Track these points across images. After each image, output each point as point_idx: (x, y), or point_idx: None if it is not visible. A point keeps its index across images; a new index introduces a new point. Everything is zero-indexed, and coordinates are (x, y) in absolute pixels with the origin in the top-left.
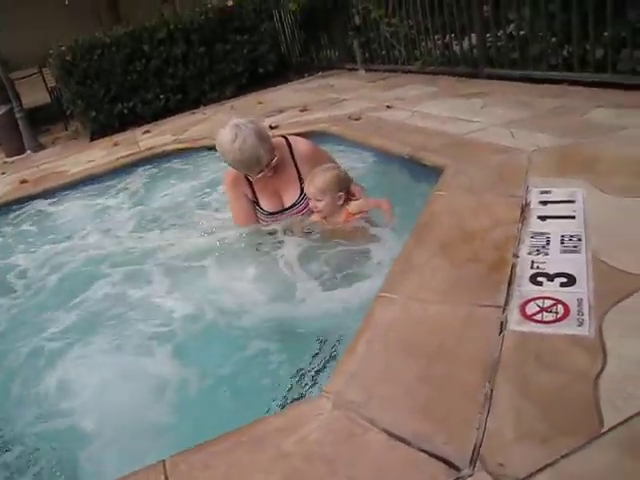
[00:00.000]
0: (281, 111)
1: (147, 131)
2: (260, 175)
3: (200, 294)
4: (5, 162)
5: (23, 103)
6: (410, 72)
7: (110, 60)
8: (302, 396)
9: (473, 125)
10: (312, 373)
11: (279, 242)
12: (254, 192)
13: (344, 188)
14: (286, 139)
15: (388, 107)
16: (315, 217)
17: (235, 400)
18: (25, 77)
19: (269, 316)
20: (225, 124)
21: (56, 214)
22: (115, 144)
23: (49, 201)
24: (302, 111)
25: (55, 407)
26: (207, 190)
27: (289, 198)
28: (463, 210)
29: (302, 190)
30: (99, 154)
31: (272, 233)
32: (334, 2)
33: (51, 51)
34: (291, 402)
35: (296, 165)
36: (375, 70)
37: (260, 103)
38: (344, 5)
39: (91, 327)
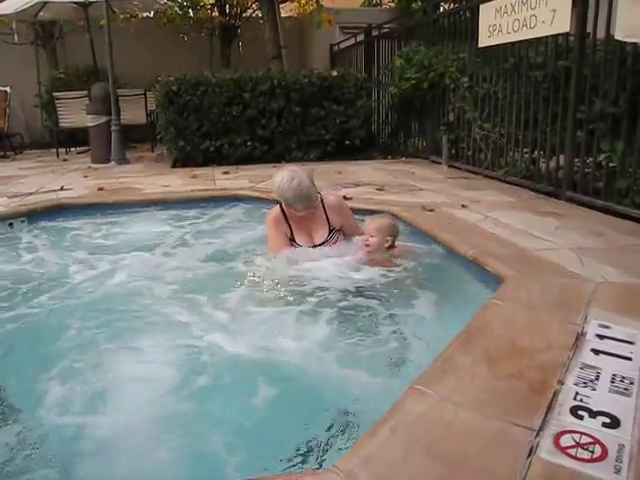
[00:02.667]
0: (357, 185)
1: (227, 172)
2: (306, 211)
3: (224, 337)
4: (90, 167)
5: (121, 118)
6: (492, 178)
7: (211, 99)
8: (308, 464)
9: (544, 243)
10: (324, 444)
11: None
12: (292, 231)
13: (393, 236)
14: (319, 192)
15: (463, 206)
16: (361, 253)
17: (239, 454)
18: (129, 96)
19: (291, 372)
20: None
21: (119, 226)
22: (194, 176)
23: (117, 212)
24: (378, 190)
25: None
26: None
27: (319, 237)
28: (516, 324)
29: (330, 231)
30: (176, 182)
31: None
32: (433, 96)
33: (159, 78)
34: (300, 468)
35: (325, 212)
36: (458, 168)
37: (339, 173)
38: (442, 101)
39: (112, 342)
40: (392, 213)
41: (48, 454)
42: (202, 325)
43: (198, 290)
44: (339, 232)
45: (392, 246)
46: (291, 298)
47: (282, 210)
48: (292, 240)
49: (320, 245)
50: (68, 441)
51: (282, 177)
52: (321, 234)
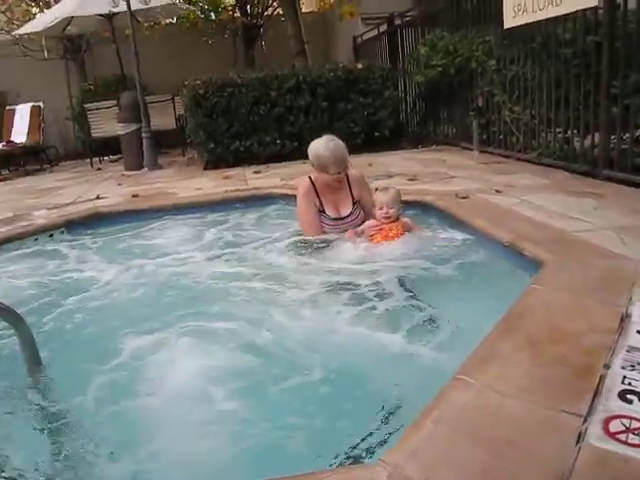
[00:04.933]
0: (390, 176)
1: (258, 171)
2: (338, 175)
3: (274, 333)
4: (123, 175)
5: (151, 125)
6: (525, 161)
7: (238, 100)
8: (355, 458)
9: (582, 224)
10: (372, 437)
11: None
12: (321, 203)
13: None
14: None
15: (497, 191)
16: (371, 222)
17: (290, 447)
18: (158, 102)
19: (339, 365)
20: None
21: (155, 231)
22: (226, 177)
23: (152, 217)
24: (410, 180)
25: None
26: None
27: (345, 209)
28: (558, 309)
29: (353, 204)
30: (209, 184)
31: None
32: (460, 82)
33: (186, 82)
34: (347, 462)
35: (350, 186)
36: (490, 153)
37: (370, 165)
38: (469, 86)
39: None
40: (425, 202)
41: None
42: (259, 322)
43: (245, 287)
44: (360, 204)
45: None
46: (330, 291)
47: (312, 183)
48: (322, 212)
49: (346, 218)
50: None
51: (318, 141)
52: (347, 206)
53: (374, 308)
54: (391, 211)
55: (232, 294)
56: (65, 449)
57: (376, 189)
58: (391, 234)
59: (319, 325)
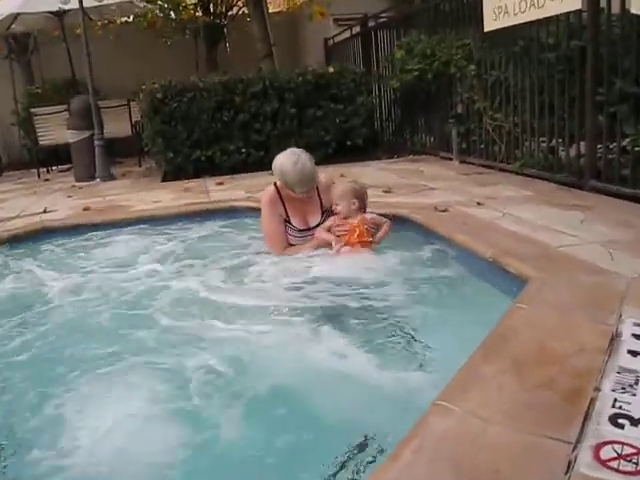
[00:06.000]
0: None
1: (221, 183)
2: (305, 193)
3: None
4: (74, 186)
5: (104, 132)
6: (507, 171)
7: (199, 105)
8: None
9: (568, 239)
10: (345, 470)
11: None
12: (287, 213)
13: (358, 198)
14: None
15: (478, 204)
16: (332, 219)
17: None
18: (112, 107)
19: (303, 393)
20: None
21: (107, 246)
22: (185, 189)
23: (105, 232)
24: (385, 192)
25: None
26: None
27: (313, 219)
28: (544, 328)
29: (322, 214)
30: (167, 196)
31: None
32: (438, 87)
33: (143, 86)
34: None
35: (319, 194)
36: (470, 163)
37: (342, 176)
38: (448, 92)
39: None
40: (401, 216)
41: None
42: (205, 343)
43: (198, 307)
44: (330, 213)
45: (362, 209)
46: (291, 308)
47: (277, 191)
48: (287, 222)
49: (315, 228)
50: None
51: (284, 159)
52: (315, 216)
53: (342, 329)
54: (338, 207)
55: (186, 315)
56: None
57: (332, 183)
58: (354, 237)
59: (280, 350)
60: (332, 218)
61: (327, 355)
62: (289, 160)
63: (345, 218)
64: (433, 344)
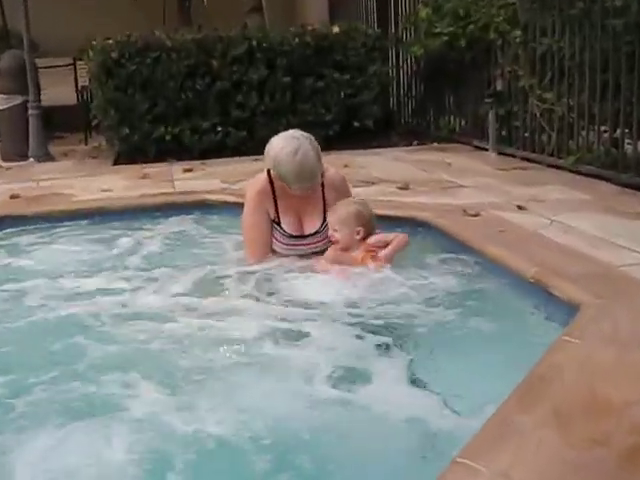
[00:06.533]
0: (372, 183)
1: (189, 169)
2: (303, 193)
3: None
4: (0, 166)
5: (42, 98)
6: (558, 168)
7: (165, 69)
8: None
9: (633, 256)
10: None
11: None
12: (277, 211)
13: (365, 225)
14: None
15: (519, 207)
16: (331, 252)
17: None
18: (53, 67)
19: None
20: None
21: (39, 248)
22: (144, 176)
23: (37, 227)
24: (401, 189)
25: None
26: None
27: (311, 225)
28: (598, 369)
29: (325, 219)
30: (119, 184)
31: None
32: (473, 57)
33: (94, 42)
34: None
35: (323, 192)
36: (511, 155)
37: (346, 167)
38: (485, 63)
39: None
40: (421, 220)
41: None
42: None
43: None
44: None
45: (365, 238)
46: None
47: (270, 182)
48: (276, 223)
49: (311, 236)
50: None
51: (282, 145)
52: (314, 221)
53: (346, 362)
54: (337, 235)
55: (136, 340)
56: None
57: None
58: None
59: (264, 388)
60: (331, 248)
61: (324, 394)
62: (287, 147)
63: (344, 249)
64: (458, 383)
